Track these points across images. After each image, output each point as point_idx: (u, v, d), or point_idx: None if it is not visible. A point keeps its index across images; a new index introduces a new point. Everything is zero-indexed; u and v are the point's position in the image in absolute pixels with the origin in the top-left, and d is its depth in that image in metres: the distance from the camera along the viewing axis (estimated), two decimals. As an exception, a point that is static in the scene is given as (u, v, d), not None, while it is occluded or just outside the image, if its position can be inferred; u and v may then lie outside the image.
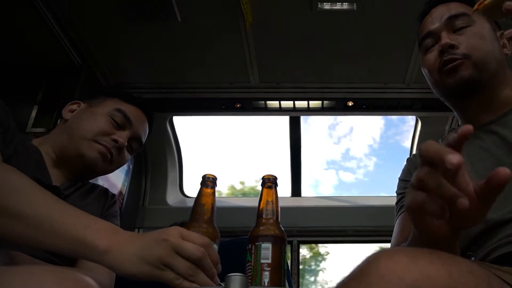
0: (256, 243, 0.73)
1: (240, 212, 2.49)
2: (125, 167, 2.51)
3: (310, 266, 3.37)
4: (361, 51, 2.17)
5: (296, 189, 2.89)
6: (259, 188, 0.81)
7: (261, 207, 0.79)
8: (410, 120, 2.90)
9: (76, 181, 1.07)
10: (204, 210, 0.78)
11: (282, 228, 0.77)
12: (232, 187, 3.49)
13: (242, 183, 3.58)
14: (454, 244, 0.57)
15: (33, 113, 2.02)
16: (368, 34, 2.07)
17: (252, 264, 0.72)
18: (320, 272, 3.39)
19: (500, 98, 0.92)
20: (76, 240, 0.64)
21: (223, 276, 0.60)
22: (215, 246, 0.74)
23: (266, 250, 0.72)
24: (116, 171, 2.37)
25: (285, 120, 2.73)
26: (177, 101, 2.53)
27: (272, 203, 0.79)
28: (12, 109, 0.91)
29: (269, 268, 0.71)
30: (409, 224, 0.61)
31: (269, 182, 0.81)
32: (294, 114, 2.64)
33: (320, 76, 2.36)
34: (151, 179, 2.83)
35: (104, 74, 2.33)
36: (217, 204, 0.81)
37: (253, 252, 0.73)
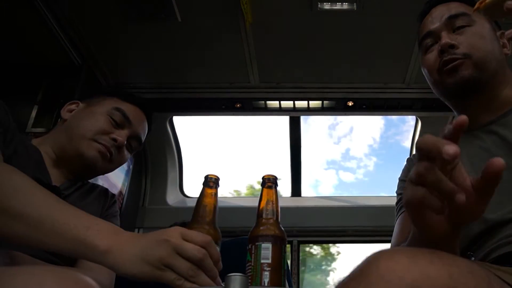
0: (256, 243, 0.73)
1: (240, 212, 2.48)
2: (125, 167, 2.51)
3: (321, 265, 3.37)
4: (361, 51, 2.17)
5: (296, 189, 2.89)
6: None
7: (261, 207, 0.79)
8: (410, 120, 2.91)
9: (76, 181, 1.07)
10: (206, 211, 0.78)
11: (282, 228, 0.77)
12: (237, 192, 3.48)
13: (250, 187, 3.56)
14: (454, 243, 0.57)
15: (33, 113, 2.02)
16: (368, 34, 2.07)
17: (252, 264, 0.72)
18: (331, 272, 3.40)
19: (500, 98, 0.92)
20: (77, 241, 0.64)
21: (223, 276, 0.60)
22: (217, 248, 0.74)
23: (266, 250, 0.72)
24: (116, 171, 2.39)
25: (285, 120, 2.73)
26: (177, 101, 2.53)
27: (272, 203, 0.78)
28: (12, 109, 0.91)
29: (269, 268, 0.71)
30: (409, 224, 0.61)
31: (269, 182, 0.81)
32: (294, 114, 2.64)
33: (320, 76, 2.36)
34: (151, 179, 2.83)
35: (104, 74, 2.33)
36: (217, 204, 0.81)
37: (253, 252, 0.73)
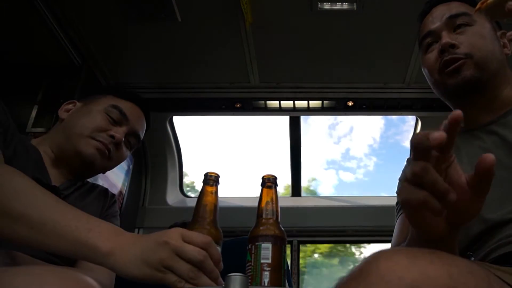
0: (256, 243, 0.73)
1: (240, 212, 2.48)
2: (125, 167, 2.51)
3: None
4: (361, 51, 2.17)
5: (296, 189, 2.89)
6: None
7: (261, 207, 0.79)
8: (410, 120, 2.90)
9: (76, 180, 1.07)
10: (207, 211, 0.78)
11: (282, 228, 0.77)
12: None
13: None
14: (453, 243, 0.57)
15: (33, 113, 2.02)
16: (368, 34, 2.07)
17: (252, 264, 0.72)
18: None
19: (500, 98, 0.92)
20: (78, 243, 0.64)
21: (223, 276, 0.60)
22: (218, 248, 0.74)
23: (266, 250, 0.72)
24: (116, 171, 2.40)
25: (285, 120, 2.73)
26: (177, 101, 2.53)
27: (272, 203, 0.78)
28: (12, 109, 0.91)
29: (269, 268, 0.71)
30: (409, 224, 0.61)
31: (269, 182, 0.81)
32: (294, 114, 2.64)
33: (320, 76, 2.36)
34: (151, 179, 2.83)
35: (104, 74, 2.33)
36: (218, 203, 0.81)
37: (253, 252, 0.73)
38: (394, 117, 3.32)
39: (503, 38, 0.97)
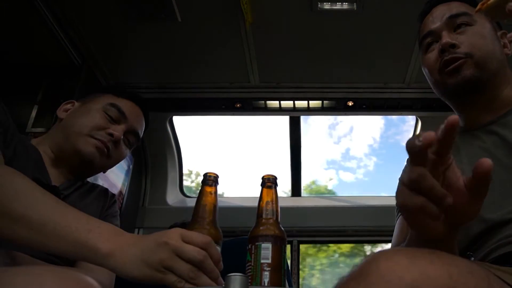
0: (256, 243, 0.73)
1: (240, 212, 2.48)
2: (125, 167, 2.51)
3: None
4: (361, 51, 2.17)
5: (296, 189, 2.89)
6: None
7: (261, 207, 0.79)
8: (410, 120, 2.90)
9: (76, 180, 1.07)
10: (206, 211, 0.78)
11: (282, 228, 0.77)
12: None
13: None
14: (452, 243, 0.57)
15: (33, 113, 2.02)
16: (368, 34, 2.07)
17: (252, 264, 0.72)
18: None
19: (500, 98, 0.92)
20: (78, 243, 0.64)
21: (223, 276, 0.60)
22: (218, 248, 0.74)
23: (266, 250, 0.72)
24: (116, 171, 2.40)
25: (285, 120, 2.73)
26: (177, 101, 2.53)
27: (272, 203, 0.78)
28: (12, 109, 0.91)
29: (269, 268, 0.71)
30: (408, 224, 0.61)
31: (269, 182, 0.81)
32: (294, 114, 2.64)
33: (320, 76, 2.36)
34: (151, 179, 2.83)
35: (104, 74, 2.33)
36: (218, 203, 0.81)
37: (253, 252, 0.73)
38: (394, 117, 3.32)
39: (503, 38, 0.97)
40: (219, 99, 2.49)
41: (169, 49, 2.19)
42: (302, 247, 2.81)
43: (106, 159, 1.06)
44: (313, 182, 3.60)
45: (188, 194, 2.92)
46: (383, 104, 2.49)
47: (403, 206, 0.52)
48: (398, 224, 0.96)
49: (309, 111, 2.56)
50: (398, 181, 1.00)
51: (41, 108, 2.04)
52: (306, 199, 2.90)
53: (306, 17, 1.99)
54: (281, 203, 0.80)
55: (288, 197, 2.87)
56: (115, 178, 2.40)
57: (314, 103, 2.51)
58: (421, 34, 1.01)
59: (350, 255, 3.21)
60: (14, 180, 0.71)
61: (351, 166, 3.98)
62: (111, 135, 1.05)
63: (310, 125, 3.38)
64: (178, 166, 2.88)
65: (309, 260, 3.11)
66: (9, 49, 2.00)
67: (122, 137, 1.07)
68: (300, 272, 2.72)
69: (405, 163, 1.05)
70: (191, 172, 3.24)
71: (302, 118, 2.73)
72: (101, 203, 1.10)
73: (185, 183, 2.96)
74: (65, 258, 0.89)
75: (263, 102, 2.52)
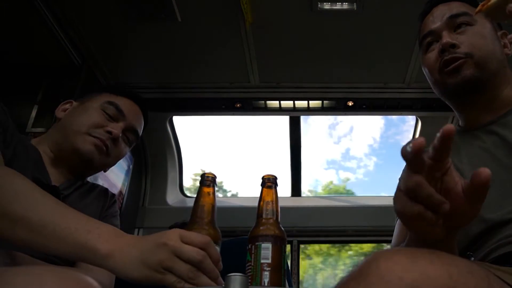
0: (256, 243, 0.73)
1: (240, 212, 2.48)
2: (125, 167, 2.51)
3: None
4: (361, 51, 2.17)
5: (296, 189, 2.89)
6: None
7: (261, 207, 0.79)
8: (410, 120, 2.90)
9: (76, 180, 1.07)
10: (205, 211, 0.78)
11: (282, 228, 0.77)
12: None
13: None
14: (452, 243, 0.57)
15: (33, 113, 2.02)
16: (368, 34, 2.07)
17: (252, 264, 0.72)
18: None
19: (500, 98, 0.92)
20: (78, 245, 0.64)
21: (223, 276, 0.60)
22: (217, 248, 0.74)
23: (266, 250, 0.72)
24: (116, 171, 2.39)
25: (285, 120, 2.73)
26: (177, 101, 2.53)
27: (272, 203, 0.78)
28: (12, 109, 0.91)
29: (269, 268, 0.71)
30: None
31: (269, 182, 0.81)
32: (294, 114, 2.64)
33: (320, 76, 2.36)
34: (151, 179, 2.83)
35: (104, 74, 2.33)
36: (217, 204, 0.81)
37: (253, 252, 0.73)
38: (394, 117, 3.32)
39: (503, 38, 0.97)
40: (219, 99, 2.49)
41: (169, 49, 2.19)
42: (324, 246, 2.81)
43: (105, 157, 1.06)
44: (331, 182, 3.61)
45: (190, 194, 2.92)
46: (383, 104, 2.49)
47: (400, 213, 0.53)
48: (398, 224, 0.96)
49: (309, 111, 2.56)
50: (398, 181, 1.00)
51: (41, 108, 2.04)
52: (306, 199, 2.90)
53: (306, 17, 1.99)
54: (281, 203, 0.80)
55: (288, 197, 2.87)
56: (115, 178, 2.40)
57: (314, 103, 2.51)
58: (421, 33, 1.01)
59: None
60: (14, 181, 0.71)
61: (351, 166, 3.98)
62: (109, 132, 1.05)
63: (310, 125, 3.38)
64: (178, 166, 2.88)
65: (331, 260, 3.11)
66: (9, 49, 2.00)
67: (120, 134, 1.07)
68: (323, 271, 2.72)
69: (405, 166, 1.05)
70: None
71: (302, 118, 2.73)
72: (101, 203, 1.10)
73: (196, 183, 2.96)
74: (65, 258, 0.89)
75: (263, 102, 2.52)
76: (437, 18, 0.97)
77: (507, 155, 0.82)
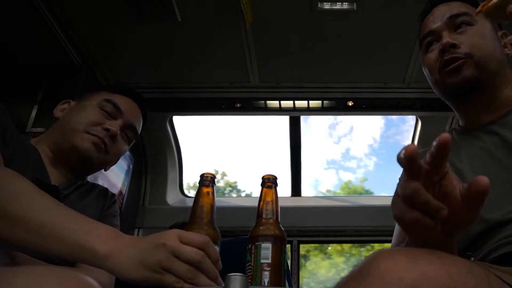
0: (256, 243, 0.73)
1: (240, 212, 2.49)
2: (125, 167, 2.51)
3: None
4: (361, 51, 2.18)
5: (296, 189, 2.89)
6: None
7: (261, 207, 0.79)
8: (410, 120, 2.90)
9: (76, 179, 1.07)
10: (204, 211, 0.78)
11: (282, 228, 0.77)
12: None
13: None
14: (451, 244, 0.57)
15: (33, 113, 2.02)
16: (368, 34, 2.07)
17: (252, 264, 0.72)
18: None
19: (500, 98, 0.92)
20: (77, 246, 0.64)
21: (223, 276, 0.60)
22: (216, 248, 0.74)
23: (266, 250, 0.72)
24: (116, 171, 2.39)
25: (285, 120, 2.73)
26: (177, 101, 2.53)
27: (272, 203, 0.78)
28: (12, 109, 0.91)
29: (269, 268, 0.71)
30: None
31: (269, 182, 0.80)
32: (294, 114, 2.64)
33: (320, 76, 2.36)
34: (151, 179, 2.83)
35: (104, 74, 2.33)
36: (217, 204, 0.81)
37: (253, 252, 0.73)
38: (394, 117, 3.33)
39: (504, 38, 0.97)
40: (219, 99, 2.49)
41: (169, 49, 2.19)
42: (346, 246, 2.79)
43: (104, 154, 1.06)
44: (349, 182, 3.61)
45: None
46: (383, 104, 2.49)
47: (398, 218, 0.53)
48: (398, 224, 0.96)
49: (309, 111, 2.56)
50: (398, 180, 1.01)
51: (41, 108, 2.04)
52: (306, 199, 2.90)
53: (306, 17, 1.99)
54: (281, 203, 0.80)
55: (288, 197, 2.87)
56: (115, 178, 2.40)
57: (314, 103, 2.51)
58: (421, 33, 1.01)
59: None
60: (13, 182, 0.71)
61: (351, 166, 3.98)
62: (107, 130, 1.04)
63: (310, 125, 3.39)
64: (178, 166, 2.88)
65: (353, 260, 3.11)
66: (9, 49, 2.00)
67: (119, 132, 1.07)
68: (346, 272, 2.72)
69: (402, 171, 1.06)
70: (216, 172, 3.23)
71: (302, 118, 2.73)
72: (101, 203, 1.10)
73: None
74: (64, 259, 0.89)
75: (263, 102, 2.52)
76: (437, 18, 0.97)
77: (507, 155, 0.82)
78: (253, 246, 0.73)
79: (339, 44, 2.14)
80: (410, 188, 0.49)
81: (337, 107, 2.53)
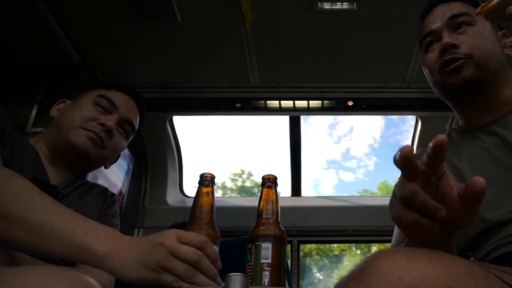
0: (256, 243, 0.73)
1: (240, 212, 2.49)
2: (125, 166, 2.51)
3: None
4: (361, 51, 2.17)
5: (296, 189, 2.89)
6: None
7: (261, 207, 0.79)
8: (410, 120, 2.91)
9: (76, 178, 1.07)
10: (204, 211, 0.78)
11: (282, 228, 0.77)
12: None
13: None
14: (450, 244, 0.57)
15: (33, 113, 2.02)
16: (368, 34, 2.07)
17: (252, 264, 0.72)
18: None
19: (500, 98, 0.92)
20: (76, 246, 0.64)
21: (223, 276, 0.60)
22: (216, 248, 0.74)
23: (266, 250, 0.72)
24: (116, 171, 2.39)
25: (285, 120, 2.73)
26: (177, 101, 2.53)
27: (272, 203, 0.79)
28: (12, 109, 0.92)
29: (269, 268, 0.71)
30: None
31: (269, 182, 0.81)
32: (294, 114, 2.64)
33: (320, 76, 2.36)
34: (151, 179, 2.83)
35: (104, 74, 2.33)
36: (217, 204, 0.81)
37: (253, 252, 0.73)
38: (394, 117, 3.33)
39: (504, 39, 0.97)
40: (219, 99, 2.49)
41: (169, 49, 2.19)
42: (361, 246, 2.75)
43: (101, 150, 1.06)
44: (386, 181, 3.57)
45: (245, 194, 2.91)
46: (383, 104, 2.49)
47: (396, 220, 0.53)
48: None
49: (309, 111, 2.56)
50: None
51: (41, 108, 2.04)
52: (306, 199, 2.90)
53: (306, 17, 1.99)
54: (281, 203, 0.80)
55: (288, 197, 2.87)
56: (115, 177, 2.40)
57: (314, 103, 2.51)
58: (421, 33, 1.01)
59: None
60: (12, 182, 0.71)
61: (351, 166, 3.98)
62: (102, 125, 1.04)
63: (310, 125, 3.39)
64: (178, 166, 2.88)
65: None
66: (9, 49, 2.00)
67: (114, 126, 1.07)
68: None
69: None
70: (243, 172, 3.21)
71: (302, 118, 2.73)
72: (101, 203, 1.10)
73: (238, 183, 2.94)
74: (63, 259, 0.89)
75: (263, 102, 2.52)
76: (438, 18, 0.97)
77: (507, 155, 0.82)
78: (253, 246, 0.73)
79: (339, 44, 2.14)
80: (408, 189, 0.49)
81: (337, 107, 2.53)
